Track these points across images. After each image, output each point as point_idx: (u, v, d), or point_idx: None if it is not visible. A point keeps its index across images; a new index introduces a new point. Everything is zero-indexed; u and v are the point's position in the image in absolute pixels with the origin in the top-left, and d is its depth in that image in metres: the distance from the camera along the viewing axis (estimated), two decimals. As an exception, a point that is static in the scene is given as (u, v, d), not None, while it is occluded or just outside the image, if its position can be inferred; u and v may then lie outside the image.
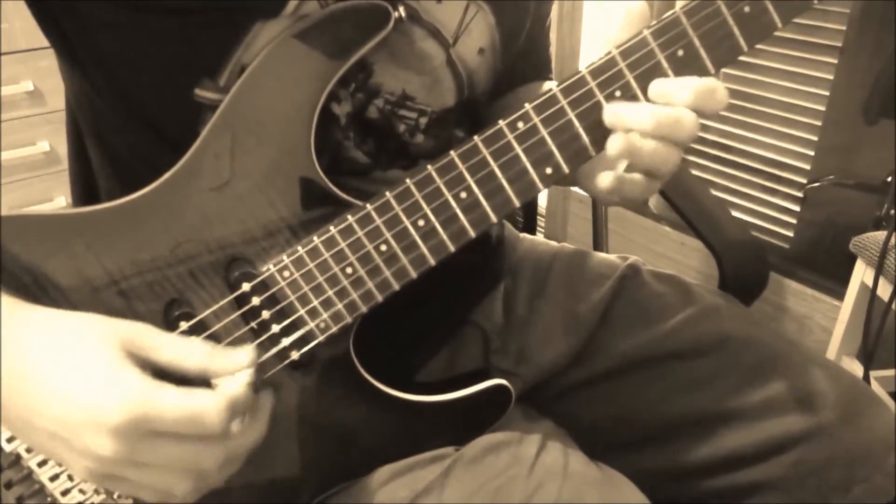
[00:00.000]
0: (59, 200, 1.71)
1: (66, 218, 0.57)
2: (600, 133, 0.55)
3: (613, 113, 0.54)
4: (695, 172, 1.98)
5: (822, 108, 1.72)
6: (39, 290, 0.55)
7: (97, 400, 0.46)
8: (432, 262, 0.58)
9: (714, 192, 1.63)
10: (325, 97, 0.57)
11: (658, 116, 0.53)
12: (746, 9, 0.53)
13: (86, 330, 0.49)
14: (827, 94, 1.70)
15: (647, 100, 0.54)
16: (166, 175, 0.57)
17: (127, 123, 0.64)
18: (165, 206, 0.57)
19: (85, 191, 0.77)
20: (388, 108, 0.63)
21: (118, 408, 0.46)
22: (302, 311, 0.59)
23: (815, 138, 1.75)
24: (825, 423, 0.70)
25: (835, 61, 1.67)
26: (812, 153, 1.77)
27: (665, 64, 0.54)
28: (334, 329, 0.59)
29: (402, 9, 0.59)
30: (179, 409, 0.47)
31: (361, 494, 0.64)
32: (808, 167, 1.79)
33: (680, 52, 0.54)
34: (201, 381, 0.51)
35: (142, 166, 0.58)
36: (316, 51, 0.56)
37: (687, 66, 0.54)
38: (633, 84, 0.54)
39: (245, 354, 0.52)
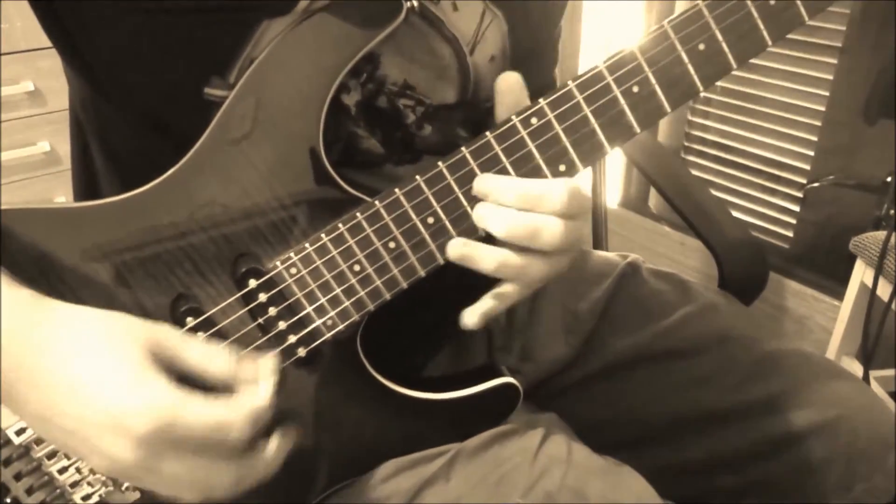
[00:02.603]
0: (59, 201, 1.71)
1: (73, 211, 0.56)
2: (617, 130, 0.55)
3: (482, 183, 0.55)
4: (695, 172, 1.98)
5: (822, 108, 1.72)
6: (46, 283, 0.55)
7: (123, 405, 0.46)
8: (441, 260, 0.58)
9: (714, 192, 1.63)
10: (334, 90, 0.56)
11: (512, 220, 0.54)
12: (772, 1, 0.52)
13: (111, 329, 0.49)
14: (827, 94, 1.70)
15: (666, 98, 0.54)
16: (173, 169, 0.56)
17: (131, 125, 0.63)
18: (172, 201, 0.56)
19: (87, 192, 0.77)
20: (392, 97, 0.63)
21: (144, 415, 0.45)
22: (309, 309, 0.58)
23: (815, 138, 1.76)
24: (825, 423, 0.70)
25: (835, 61, 1.67)
26: (812, 153, 1.77)
27: (685, 59, 0.53)
28: (341, 326, 0.59)
29: (414, 1, 0.58)
30: (205, 418, 0.47)
31: (366, 489, 0.64)
32: (808, 167, 1.79)
33: (701, 47, 0.52)
34: (220, 388, 0.50)
35: (145, 168, 0.58)
36: (324, 43, 0.56)
37: (709, 60, 0.53)
38: (652, 79, 0.53)
39: (268, 364, 0.52)
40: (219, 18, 0.56)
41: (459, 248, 0.56)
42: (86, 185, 0.76)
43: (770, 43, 0.53)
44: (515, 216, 0.54)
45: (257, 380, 0.51)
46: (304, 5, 0.57)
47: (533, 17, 0.68)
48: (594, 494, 0.60)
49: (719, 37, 0.52)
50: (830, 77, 1.68)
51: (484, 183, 0.55)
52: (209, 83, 0.58)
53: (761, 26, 0.52)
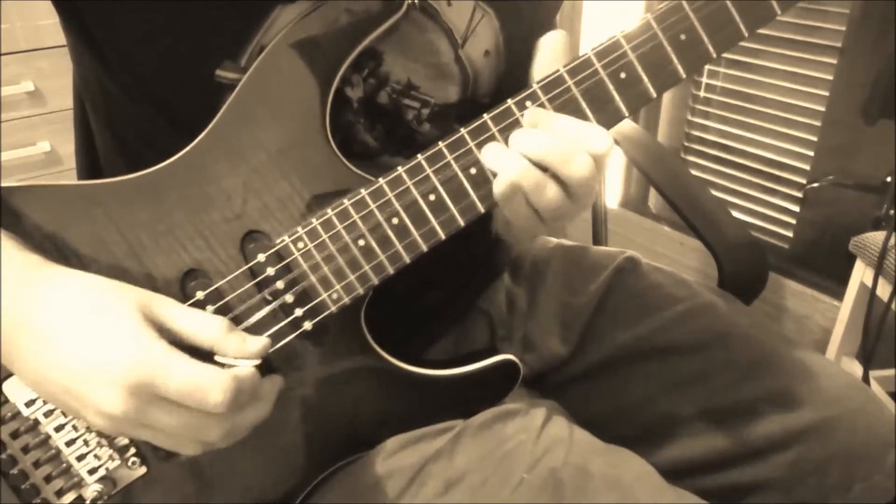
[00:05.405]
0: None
1: (88, 188, 0.58)
2: (606, 114, 0.57)
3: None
4: (695, 172, 1.98)
5: (822, 108, 1.72)
6: (61, 258, 0.56)
7: (110, 356, 0.47)
8: (442, 235, 0.59)
9: (714, 192, 1.63)
10: (339, 78, 0.58)
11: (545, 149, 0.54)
12: None
13: (107, 290, 0.51)
14: (827, 94, 1.70)
15: (651, 84, 0.56)
16: (186, 149, 0.58)
17: (138, 106, 0.65)
18: (184, 179, 0.58)
19: (91, 177, 0.77)
20: (395, 95, 0.65)
21: (129, 366, 0.47)
22: (315, 282, 0.60)
23: (814, 138, 1.76)
24: (824, 422, 0.70)
25: (835, 61, 1.67)
26: (812, 153, 1.77)
27: (668, 46, 0.56)
28: (346, 300, 0.60)
29: None
30: (186, 379, 0.48)
31: (370, 464, 0.65)
32: (807, 167, 1.79)
33: (682, 36, 0.56)
34: (212, 358, 0.52)
35: (150, 152, 0.59)
36: (330, 33, 0.58)
37: (689, 49, 0.56)
38: (637, 65, 0.56)
39: (256, 343, 0.53)
40: (234, 1, 0.59)
41: (494, 152, 0.56)
42: (89, 174, 0.77)
43: (746, 34, 0.56)
44: (554, 139, 0.55)
45: (243, 355, 0.52)
46: None
47: (524, 15, 0.70)
48: (597, 472, 0.61)
49: (698, 27, 0.56)
50: (830, 77, 1.69)
51: (533, 113, 0.56)
52: (221, 66, 0.60)
53: (737, 18, 0.56)
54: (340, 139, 0.63)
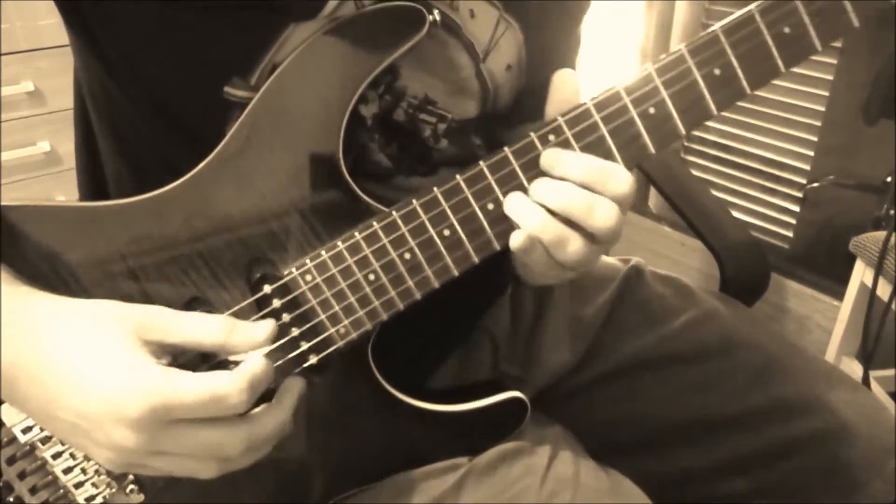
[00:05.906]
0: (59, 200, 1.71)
1: (90, 210, 0.56)
2: (632, 151, 0.55)
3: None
4: (695, 172, 1.98)
5: (822, 109, 1.72)
6: (58, 280, 0.55)
7: (115, 392, 0.46)
8: (456, 272, 0.57)
9: (714, 192, 1.63)
10: (356, 100, 0.56)
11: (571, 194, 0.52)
12: (786, 30, 0.52)
13: (100, 318, 0.49)
14: (827, 94, 1.70)
15: (681, 121, 0.54)
16: (192, 172, 0.56)
17: (144, 115, 0.63)
18: (189, 203, 0.56)
19: (92, 181, 0.77)
20: (412, 111, 0.63)
21: (137, 399, 0.46)
22: (322, 317, 0.58)
23: (814, 138, 1.76)
24: (826, 429, 0.70)
25: (835, 61, 1.67)
26: (812, 153, 1.77)
27: (701, 83, 0.53)
28: (354, 335, 0.59)
29: (436, 13, 0.58)
30: (198, 392, 0.47)
31: (374, 502, 0.64)
32: (807, 167, 1.79)
33: (717, 72, 0.53)
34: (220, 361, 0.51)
35: (154, 158, 0.57)
36: (348, 52, 0.56)
37: (724, 85, 0.53)
38: (668, 102, 0.53)
39: (263, 328, 0.52)
40: (245, 18, 0.56)
41: (516, 202, 0.55)
42: (90, 173, 0.76)
43: (784, 70, 0.53)
44: (574, 190, 0.53)
45: (252, 344, 0.51)
46: (329, 9, 0.57)
47: (548, 27, 0.67)
48: None
49: (735, 63, 0.53)
50: (830, 77, 1.69)
51: (551, 155, 0.54)
52: (230, 82, 0.58)
53: (776, 54, 0.53)
54: (352, 160, 0.62)
